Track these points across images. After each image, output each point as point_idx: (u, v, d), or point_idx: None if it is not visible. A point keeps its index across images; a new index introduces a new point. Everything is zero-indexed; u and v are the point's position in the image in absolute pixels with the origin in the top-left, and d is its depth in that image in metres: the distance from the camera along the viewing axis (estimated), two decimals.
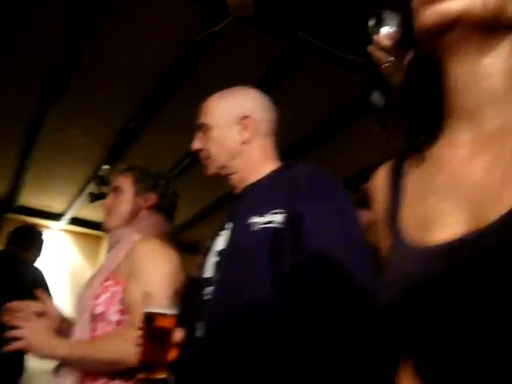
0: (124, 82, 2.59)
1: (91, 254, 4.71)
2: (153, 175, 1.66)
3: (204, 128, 1.22)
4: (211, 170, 1.21)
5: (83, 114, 2.91)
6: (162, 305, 1.03)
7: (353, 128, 2.63)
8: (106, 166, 3.28)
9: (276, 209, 1.03)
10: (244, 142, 1.20)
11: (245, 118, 1.20)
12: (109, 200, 1.63)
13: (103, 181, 3.26)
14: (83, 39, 2.24)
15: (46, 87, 2.66)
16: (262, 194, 1.11)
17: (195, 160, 3.24)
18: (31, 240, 2.90)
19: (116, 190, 1.62)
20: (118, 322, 1.41)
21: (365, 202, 1.55)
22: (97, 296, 1.42)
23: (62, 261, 4.53)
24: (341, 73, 2.23)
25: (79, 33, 2.20)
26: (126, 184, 1.61)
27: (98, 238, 4.73)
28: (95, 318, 1.42)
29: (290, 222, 0.99)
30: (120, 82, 2.60)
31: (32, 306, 1.47)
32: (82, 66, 2.43)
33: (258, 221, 1.05)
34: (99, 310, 1.41)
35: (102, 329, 1.41)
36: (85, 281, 1.58)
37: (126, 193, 1.60)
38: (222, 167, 1.20)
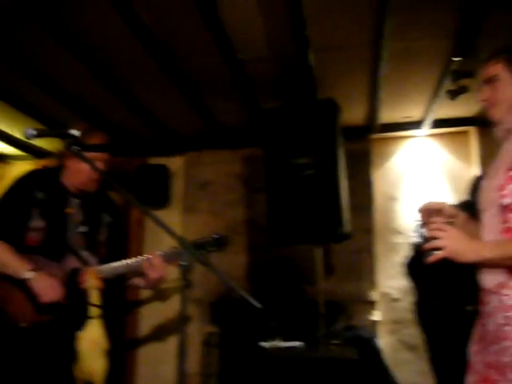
0: None
1: (462, 151, 4.75)
2: None
3: None
4: None
5: (415, 17, 2.96)
6: None
7: None
8: (456, 59, 3.26)
9: None
10: None
11: None
12: (485, 93, 1.66)
13: (459, 74, 3.26)
14: None
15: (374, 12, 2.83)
16: None
17: None
18: None
19: (490, 80, 1.63)
20: None
21: None
22: (501, 187, 1.48)
23: (436, 166, 4.72)
24: None
25: None
26: (499, 70, 1.62)
27: (464, 133, 4.73)
28: (503, 210, 1.49)
29: None
30: None
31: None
32: None
33: None
34: (506, 201, 1.47)
35: None
36: (465, 180, 1.67)
37: (503, 79, 1.61)
38: None
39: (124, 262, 2.50)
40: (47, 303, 2.27)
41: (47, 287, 2.27)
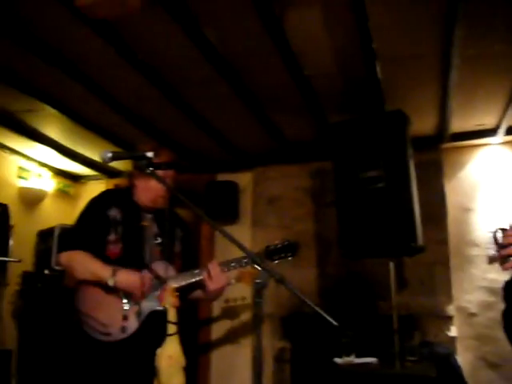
0: None
1: None
2: None
3: None
4: None
5: (487, 23, 2.87)
6: None
7: None
8: None
9: None
10: None
11: None
12: None
13: None
14: None
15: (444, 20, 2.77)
16: None
17: None
18: None
19: None
20: None
21: None
22: None
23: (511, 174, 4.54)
24: None
25: None
26: None
27: None
28: None
29: None
30: None
31: None
32: None
33: None
34: None
35: None
36: None
37: None
38: None
39: (187, 273, 2.54)
40: (143, 297, 2.35)
41: (133, 282, 2.35)
